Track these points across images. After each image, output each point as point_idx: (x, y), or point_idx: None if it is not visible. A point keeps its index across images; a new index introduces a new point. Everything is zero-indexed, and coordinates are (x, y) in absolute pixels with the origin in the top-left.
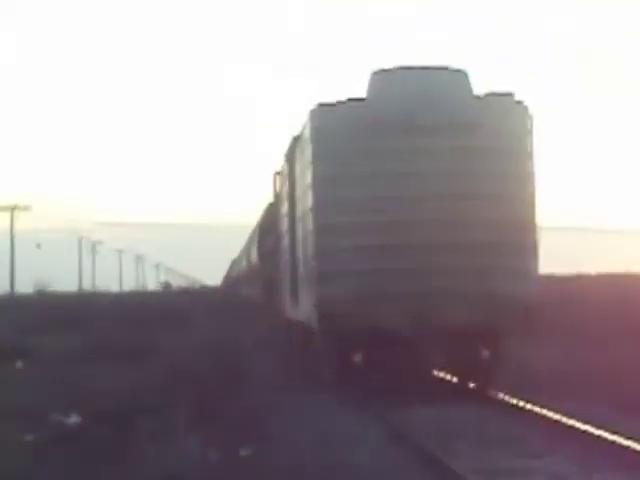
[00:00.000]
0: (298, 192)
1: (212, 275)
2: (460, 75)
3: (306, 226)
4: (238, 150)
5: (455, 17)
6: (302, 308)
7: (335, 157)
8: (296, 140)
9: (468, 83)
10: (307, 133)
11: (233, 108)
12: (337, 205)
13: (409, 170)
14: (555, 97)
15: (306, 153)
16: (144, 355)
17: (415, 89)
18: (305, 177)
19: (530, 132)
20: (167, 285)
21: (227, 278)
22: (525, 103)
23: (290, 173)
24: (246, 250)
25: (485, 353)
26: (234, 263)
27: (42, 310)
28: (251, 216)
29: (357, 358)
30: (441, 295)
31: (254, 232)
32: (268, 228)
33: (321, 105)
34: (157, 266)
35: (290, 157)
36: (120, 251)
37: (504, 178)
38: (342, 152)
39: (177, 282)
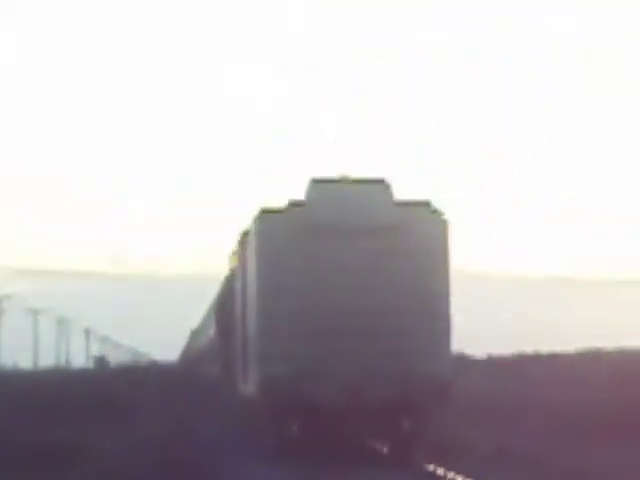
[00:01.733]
0: (247, 279)
1: (164, 347)
2: (382, 186)
3: (251, 311)
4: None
5: (455, 17)
6: (249, 385)
7: (275, 254)
8: (245, 235)
9: (390, 193)
10: (252, 235)
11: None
12: (277, 295)
13: (337, 265)
14: (555, 97)
15: (251, 250)
16: (62, 462)
17: (344, 199)
18: (251, 269)
19: (444, 235)
20: (102, 361)
21: (186, 353)
22: (439, 211)
23: (241, 261)
24: (205, 325)
25: (406, 425)
26: (194, 335)
27: None
28: (208, 266)
29: (294, 429)
30: (367, 375)
31: (213, 305)
32: (225, 302)
33: (264, 212)
34: (87, 333)
35: (241, 247)
36: (36, 311)
37: (418, 274)
38: (281, 250)
39: (116, 357)
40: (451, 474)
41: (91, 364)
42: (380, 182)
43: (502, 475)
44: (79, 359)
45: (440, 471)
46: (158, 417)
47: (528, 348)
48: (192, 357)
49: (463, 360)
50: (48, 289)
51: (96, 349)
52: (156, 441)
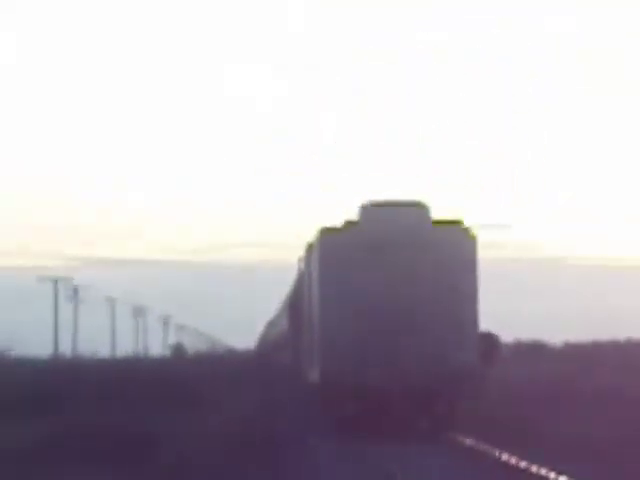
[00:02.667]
0: (312, 285)
1: (241, 335)
2: (421, 208)
3: (315, 313)
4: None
5: (455, 17)
6: (313, 375)
7: (334, 266)
8: (311, 247)
9: (427, 214)
10: (316, 248)
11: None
12: (335, 300)
13: (385, 275)
14: (555, 97)
15: (315, 261)
16: (143, 451)
17: (391, 220)
18: (315, 276)
19: (472, 249)
20: (179, 349)
21: (262, 342)
22: (469, 228)
23: (307, 268)
24: (279, 317)
25: (439, 408)
26: (269, 326)
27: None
28: (282, 255)
29: (348, 412)
30: (407, 366)
31: (286, 301)
32: (295, 301)
33: (326, 229)
34: (165, 321)
35: (307, 256)
36: (114, 300)
37: (451, 281)
38: (339, 262)
39: (193, 345)
40: (479, 447)
41: (168, 352)
42: (419, 204)
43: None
44: (156, 347)
45: (470, 443)
46: (235, 403)
47: (605, 335)
48: (267, 347)
49: (540, 348)
50: (126, 278)
51: (173, 337)
52: (235, 425)
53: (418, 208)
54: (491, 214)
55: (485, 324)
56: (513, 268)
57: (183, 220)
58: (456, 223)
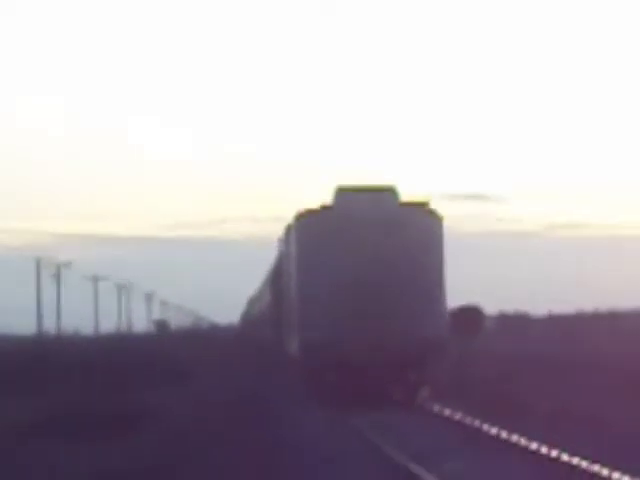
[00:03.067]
0: (291, 263)
1: (223, 311)
2: (391, 191)
3: (294, 288)
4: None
5: (454, 16)
6: (293, 347)
7: (311, 244)
8: (289, 228)
9: (396, 196)
10: (293, 229)
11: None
12: (312, 275)
13: (357, 251)
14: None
15: (293, 241)
16: (131, 425)
17: (363, 202)
18: (293, 255)
19: (438, 227)
20: (162, 325)
21: (245, 318)
22: (434, 209)
23: (286, 247)
24: (261, 293)
25: (411, 376)
26: (252, 302)
27: None
28: (264, 231)
29: (330, 378)
30: (381, 336)
31: (268, 277)
32: (276, 278)
33: (303, 212)
34: (148, 298)
35: (286, 237)
36: (96, 278)
37: (418, 256)
38: (315, 241)
39: (177, 320)
40: (454, 415)
41: (152, 328)
42: (389, 188)
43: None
44: (140, 324)
45: (437, 410)
46: (220, 376)
47: (588, 306)
48: (250, 322)
49: (524, 319)
50: (108, 255)
51: (157, 313)
52: (222, 395)
53: (387, 192)
54: (478, 185)
55: (470, 296)
56: (497, 240)
57: (167, 195)
58: (422, 205)
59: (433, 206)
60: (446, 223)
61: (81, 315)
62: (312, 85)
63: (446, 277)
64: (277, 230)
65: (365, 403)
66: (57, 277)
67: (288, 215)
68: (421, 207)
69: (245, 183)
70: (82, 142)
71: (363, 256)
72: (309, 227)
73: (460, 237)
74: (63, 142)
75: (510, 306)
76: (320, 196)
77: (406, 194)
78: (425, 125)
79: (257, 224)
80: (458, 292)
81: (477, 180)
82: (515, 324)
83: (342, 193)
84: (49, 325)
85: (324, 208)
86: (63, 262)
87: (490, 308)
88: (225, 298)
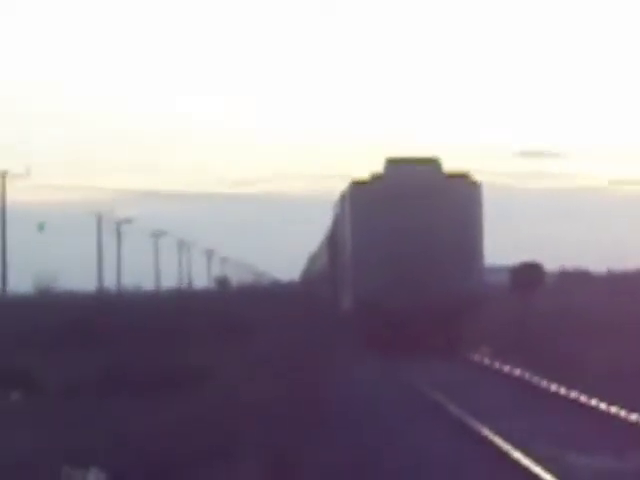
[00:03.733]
0: (345, 227)
1: (285, 267)
2: (435, 163)
3: (348, 249)
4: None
5: (455, 14)
6: (347, 302)
7: (363, 212)
8: (343, 196)
9: (440, 168)
10: (347, 198)
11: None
12: (364, 239)
13: (405, 217)
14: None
15: (347, 207)
16: (192, 383)
17: (410, 174)
18: (347, 220)
19: (477, 196)
20: (224, 281)
21: (305, 275)
22: (475, 179)
23: (341, 213)
24: (320, 253)
25: (450, 328)
26: (312, 260)
27: (46, 317)
28: (324, 187)
29: (378, 329)
30: (423, 293)
31: (325, 238)
32: (333, 239)
33: (355, 182)
34: (209, 254)
35: (341, 203)
36: (157, 234)
37: (459, 221)
38: (367, 208)
39: (238, 277)
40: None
41: (213, 285)
42: (433, 160)
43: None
44: (201, 280)
45: (481, 360)
46: (280, 332)
47: None
48: (310, 279)
49: (584, 276)
50: (169, 211)
51: (218, 270)
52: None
53: (431, 163)
54: (537, 141)
55: (530, 254)
56: (558, 196)
57: (227, 152)
58: (463, 175)
59: (486, 170)
60: (508, 181)
61: (142, 271)
62: (365, 58)
63: (484, 240)
64: (336, 187)
65: (411, 353)
66: (118, 233)
67: (346, 172)
68: (461, 178)
69: (302, 142)
70: (137, 100)
71: (409, 223)
72: (361, 195)
73: (522, 194)
74: (121, 100)
75: (571, 263)
76: (369, 159)
77: (466, 154)
78: (483, 83)
79: (318, 180)
80: (520, 249)
81: (539, 137)
82: (576, 280)
83: (391, 164)
84: (110, 281)
85: (375, 178)
86: (124, 218)
87: (551, 265)
88: (286, 255)
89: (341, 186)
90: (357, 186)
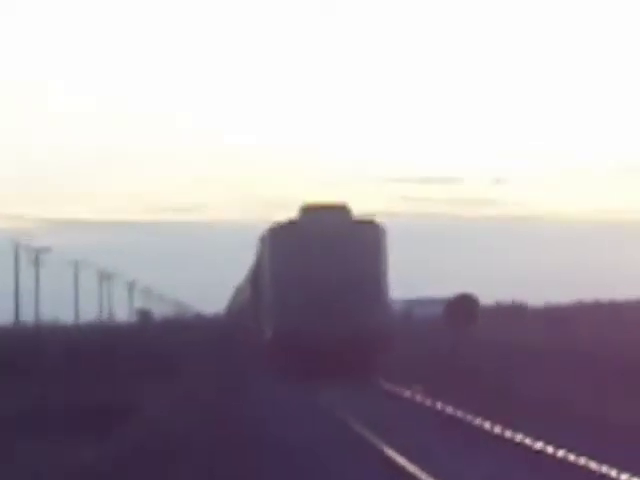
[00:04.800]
0: (266, 265)
1: (209, 300)
2: (344, 210)
3: (268, 287)
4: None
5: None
6: (268, 335)
7: (281, 252)
8: (264, 238)
9: (349, 214)
10: (267, 239)
11: None
12: (282, 277)
13: (318, 258)
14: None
15: (267, 248)
16: (114, 421)
17: (321, 219)
18: (267, 259)
19: (382, 238)
20: (146, 314)
21: (230, 308)
22: (379, 223)
23: (262, 252)
24: (244, 285)
25: (360, 360)
26: (237, 293)
27: None
28: (248, 214)
29: (295, 358)
30: (335, 328)
31: (250, 271)
32: (255, 276)
33: (274, 225)
34: (130, 286)
35: (262, 244)
36: (77, 264)
37: (365, 263)
38: (285, 249)
39: (160, 310)
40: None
41: (135, 318)
42: (343, 207)
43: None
44: (122, 313)
45: (388, 387)
46: (204, 370)
47: (588, 296)
48: (235, 312)
49: (520, 309)
50: (88, 241)
51: (140, 302)
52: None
53: (342, 210)
54: (479, 169)
55: (465, 286)
56: (495, 227)
57: (151, 176)
58: (369, 221)
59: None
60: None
61: (60, 304)
62: (324, 75)
63: (388, 280)
64: (263, 216)
65: (327, 380)
66: (36, 263)
67: (277, 202)
68: (368, 223)
69: (229, 169)
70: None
71: (323, 262)
72: (279, 239)
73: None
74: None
75: (508, 296)
76: (307, 184)
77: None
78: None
79: (243, 210)
80: (455, 281)
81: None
82: (511, 314)
83: (306, 211)
84: (27, 313)
85: (291, 223)
86: (42, 247)
87: (487, 299)
88: (211, 287)
89: (267, 214)
90: (275, 230)
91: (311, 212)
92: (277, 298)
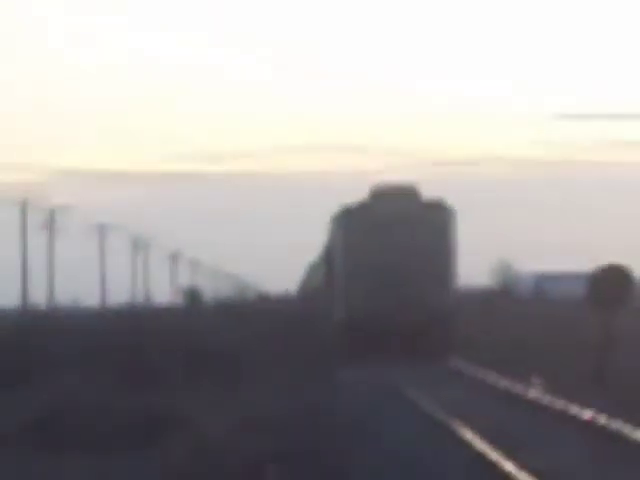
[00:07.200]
0: (338, 249)
1: (277, 276)
2: (414, 193)
3: (340, 270)
4: None
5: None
6: (341, 313)
7: (353, 236)
8: (336, 219)
9: (418, 196)
10: (339, 222)
11: None
12: (355, 261)
13: (389, 241)
14: None
15: (339, 232)
16: (154, 439)
17: (392, 201)
18: (340, 244)
19: (451, 221)
20: (193, 294)
21: (303, 289)
22: (449, 206)
23: (334, 234)
24: (317, 267)
25: (425, 340)
26: (311, 271)
27: None
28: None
29: (364, 341)
30: (403, 309)
31: (322, 255)
32: (328, 258)
33: (346, 208)
34: (174, 257)
35: (333, 226)
36: (102, 226)
37: (434, 246)
38: (357, 232)
39: (213, 288)
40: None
41: (179, 299)
42: (412, 190)
43: None
44: (163, 294)
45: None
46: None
47: None
48: (309, 294)
49: None
50: (119, 198)
51: (186, 279)
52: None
53: (411, 193)
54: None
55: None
56: None
57: (201, 117)
58: (438, 203)
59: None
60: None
61: (82, 281)
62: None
63: (456, 260)
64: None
65: (393, 360)
66: (50, 226)
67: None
68: (437, 205)
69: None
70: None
71: (392, 245)
72: (350, 222)
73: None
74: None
75: None
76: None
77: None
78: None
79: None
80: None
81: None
82: None
83: (376, 193)
84: (38, 294)
85: (362, 206)
86: (58, 206)
87: None
88: (274, 262)
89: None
90: (347, 212)
91: (381, 195)
92: (349, 281)
